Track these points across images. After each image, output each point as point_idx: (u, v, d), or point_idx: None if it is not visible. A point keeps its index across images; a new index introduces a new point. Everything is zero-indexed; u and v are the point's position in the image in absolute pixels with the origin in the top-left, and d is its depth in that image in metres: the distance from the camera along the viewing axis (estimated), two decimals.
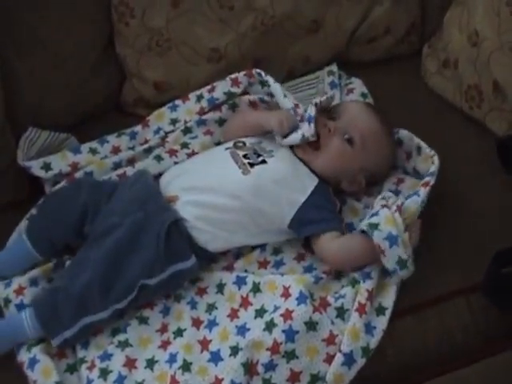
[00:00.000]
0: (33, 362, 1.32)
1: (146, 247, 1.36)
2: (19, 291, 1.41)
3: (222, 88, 1.66)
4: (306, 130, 1.47)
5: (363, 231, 1.37)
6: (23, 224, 1.52)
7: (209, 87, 1.67)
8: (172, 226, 1.38)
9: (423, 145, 1.53)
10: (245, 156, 1.48)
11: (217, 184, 1.44)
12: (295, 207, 1.44)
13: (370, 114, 1.54)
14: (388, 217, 1.36)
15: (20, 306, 1.39)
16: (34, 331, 1.34)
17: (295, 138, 1.48)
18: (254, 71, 1.64)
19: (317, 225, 1.43)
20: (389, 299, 1.38)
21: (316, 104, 1.49)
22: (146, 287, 1.35)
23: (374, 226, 1.35)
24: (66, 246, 1.47)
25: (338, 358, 1.30)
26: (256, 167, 1.46)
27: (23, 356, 1.33)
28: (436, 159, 1.49)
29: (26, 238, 1.45)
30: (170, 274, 1.36)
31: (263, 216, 1.43)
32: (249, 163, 1.46)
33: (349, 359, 1.30)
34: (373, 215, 1.38)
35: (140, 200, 1.44)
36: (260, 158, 1.48)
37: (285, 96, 1.57)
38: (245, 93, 1.68)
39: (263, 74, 1.63)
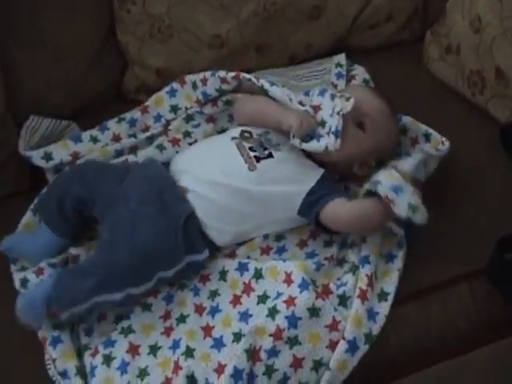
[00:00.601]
0: (56, 340, 1.34)
1: (165, 239, 1.36)
2: (39, 272, 1.42)
3: (212, 84, 1.61)
4: (333, 144, 1.43)
5: (368, 193, 1.37)
6: (26, 219, 1.52)
7: (201, 76, 1.63)
8: (189, 218, 1.39)
9: (433, 131, 1.54)
10: (251, 148, 1.46)
11: (222, 180, 1.43)
12: (302, 195, 1.42)
13: (375, 97, 1.53)
14: (387, 173, 1.37)
15: None
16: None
17: (317, 147, 1.44)
18: (242, 76, 1.58)
19: (324, 199, 1.41)
20: (391, 285, 1.38)
21: (342, 115, 1.45)
22: (164, 279, 1.37)
23: (377, 183, 1.35)
24: (80, 224, 1.48)
25: (342, 345, 1.30)
26: (262, 162, 1.44)
27: (47, 332, 1.35)
28: (447, 142, 1.50)
29: (43, 223, 1.46)
30: (185, 264, 1.37)
31: (270, 209, 1.43)
32: (255, 157, 1.45)
33: (352, 346, 1.30)
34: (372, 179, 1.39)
35: (156, 189, 1.43)
36: (266, 152, 1.46)
37: (290, 100, 1.51)
38: (236, 90, 1.64)
39: (254, 79, 1.57)
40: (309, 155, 1.49)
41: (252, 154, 1.45)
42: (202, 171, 1.46)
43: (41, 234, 1.47)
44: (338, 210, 1.40)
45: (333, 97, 1.48)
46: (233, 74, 1.59)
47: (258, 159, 1.45)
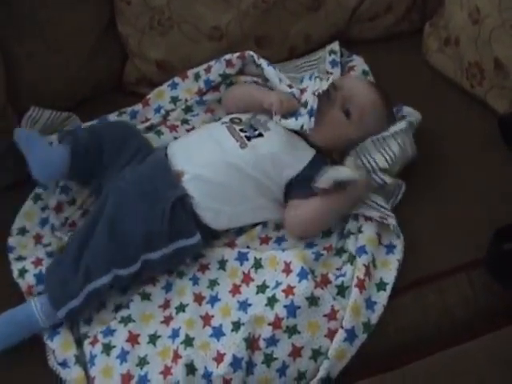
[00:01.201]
0: (53, 333, 1.35)
1: (149, 220, 1.37)
2: (37, 262, 1.43)
3: (217, 69, 1.66)
4: (307, 122, 1.45)
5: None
6: (27, 207, 1.54)
7: (205, 66, 1.67)
8: (177, 202, 1.39)
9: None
10: (241, 130, 1.49)
11: (216, 158, 1.45)
12: (290, 176, 1.45)
13: (370, 90, 1.54)
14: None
15: (39, 277, 1.40)
16: (44, 318, 1.34)
17: (294, 125, 1.48)
18: (247, 53, 1.65)
19: (295, 192, 1.45)
20: (390, 275, 1.39)
21: (318, 94, 1.47)
22: (149, 262, 1.37)
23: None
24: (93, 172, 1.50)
25: (340, 334, 1.31)
26: (253, 140, 1.47)
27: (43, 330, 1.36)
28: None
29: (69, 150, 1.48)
30: (174, 249, 1.38)
31: (263, 185, 1.44)
32: (246, 136, 1.47)
33: (351, 335, 1.31)
34: None
35: (150, 173, 1.45)
36: (256, 132, 1.49)
37: (280, 80, 1.56)
38: (241, 73, 1.68)
39: (255, 56, 1.63)
40: (302, 136, 1.50)
41: (242, 134, 1.48)
42: (197, 153, 1.47)
43: (58, 151, 1.50)
44: (286, 215, 1.45)
45: (321, 78, 1.52)
46: (238, 53, 1.64)
47: (248, 138, 1.47)
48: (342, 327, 1.32)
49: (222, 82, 1.66)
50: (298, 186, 1.45)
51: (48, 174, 1.49)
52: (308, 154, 1.48)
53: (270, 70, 1.60)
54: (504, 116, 1.59)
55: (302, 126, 1.46)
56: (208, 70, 1.66)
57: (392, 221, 1.42)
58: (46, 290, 1.36)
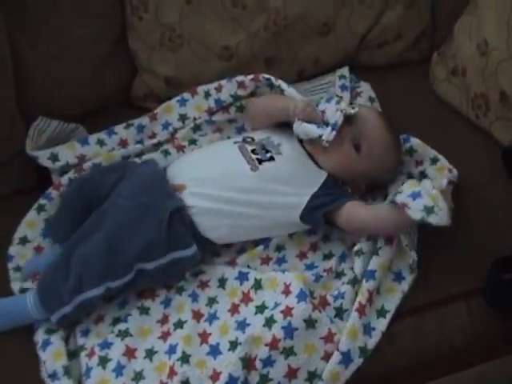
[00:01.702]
0: (46, 343, 1.34)
1: (146, 231, 1.37)
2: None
3: (228, 90, 1.67)
4: (327, 134, 1.46)
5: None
6: (29, 217, 1.53)
7: (216, 85, 1.68)
8: (175, 213, 1.39)
9: (441, 157, 1.56)
10: (253, 151, 1.49)
11: (225, 178, 1.45)
12: (305, 199, 1.45)
13: (382, 125, 1.54)
14: (410, 183, 1.40)
15: None
16: (36, 312, 1.36)
17: (312, 131, 1.48)
18: (261, 76, 1.65)
19: (330, 204, 1.44)
20: (392, 303, 1.39)
21: (343, 111, 1.48)
22: (143, 272, 1.37)
23: (398, 192, 1.38)
24: None
25: (336, 357, 1.31)
26: (264, 164, 1.47)
27: (38, 337, 1.36)
28: (455, 170, 1.53)
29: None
30: (170, 260, 1.38)
31: (272, 210, 1.44)
32: (257, 159, 1.47)
33: (346, 358, 1.31)
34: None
35: (146, 185, 1.45)
36: (268, 154, 1.49)
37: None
38: (252, 95, 1.69)
39: (273, 79, 1.63)
40: (312, 158, 1.51)
41: (254, 156, 1.48)
42: (204, 169, 1.48)
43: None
44: (355, 212, 1.43)
45: (338, 101, 1.53)
46: (251, 76, 1.64)
47: (260, 161, 1.47)
48: (337, 349, 1.32)
49: (232, 104, 1.67)
50: (318, 201, 1.44)
51: None
52: (320, 176, 1.49)
53: (291, 91, 1.60)
54: (508, 148, 1.60)
55: (321, 136, 1.46)
56: (219, 89, 1.67)
57: (414, 255, 1.42)
58: (38, 295, 1.36)
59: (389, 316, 1.37)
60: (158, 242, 1.37)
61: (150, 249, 1.37)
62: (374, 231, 1.44)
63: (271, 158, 1.48)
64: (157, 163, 1.55)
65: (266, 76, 1.64)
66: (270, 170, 1.46)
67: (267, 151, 1.50)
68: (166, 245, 1.37)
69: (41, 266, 1.44)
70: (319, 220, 1.44)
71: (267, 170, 1.46)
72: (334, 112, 1.49)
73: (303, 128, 1.49)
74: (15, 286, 1.44)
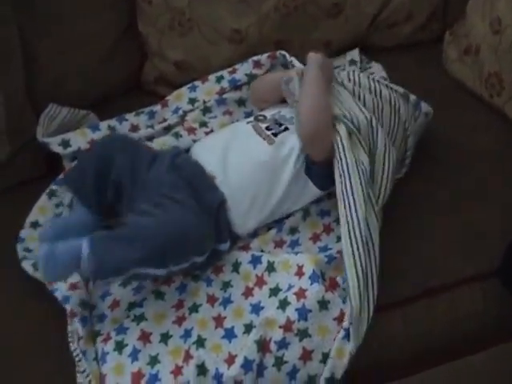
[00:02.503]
0: (85, 321, 1.35)
1: (201, 224, 1.36)
2: None
3: (243, 70, 1.67)
4: None
5: None
6: (41, 202, 1.53)
7: (230, 69, 1.68)
8: (221, 205, 1.40)
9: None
10: (267, 128, 1.49)
11: (244, 160, 1.45)
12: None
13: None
14: None
15: None
16: (87, 268, 1.30)
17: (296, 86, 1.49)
18: (278, 53, 1.65)
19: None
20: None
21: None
22: (195, 264, 1.37)
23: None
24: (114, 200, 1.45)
25: (340, 334, 1.31)
26: (279, 135, 1.47)
27: (75, 307, 1.35)
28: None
29: (77, 200, 1.46)
30: (211, 251, 1.38)
31: (293, 177, 1.44)
32: (272, 133, 1.47)
33: (348, 333, 1.30)
34: None
35: (185, 177, 1.43)
36: (282, 127, 1.49)
37: None
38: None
39: (287, 55, 1.64)
40: None
41: (268, 132, 1.48)
42: (224, 156, 1.47)
43: (74, 215, 1.47)
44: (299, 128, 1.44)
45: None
46: (267, 54, 1.65)
47: (275, 135, 1.47)
48: (342, 327, 1.31)
49: (246, 83, 1.67)
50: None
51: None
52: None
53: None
54: None
55: None
56: (233, 71, 1.67)
57: None
58: (95, 261, 1.29)
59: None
60: (211, 235, 1.37)
61: (204, 243, 1.37)
62: (318, 117, 1.43)
63: (286, 129, 1.48)
64: (184, 152, 1.53)
65: (283, 52, 1.64)
66: (286, 138, 1.46)
67: (281, 124, 1.50)
68: (215, 238, 1.38)
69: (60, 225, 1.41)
70: (310, 167, 1.44)
71: (283, 139, 1.46)
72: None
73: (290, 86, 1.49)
74: (26, 264, 1.44)
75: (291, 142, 1.45)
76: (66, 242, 1.32)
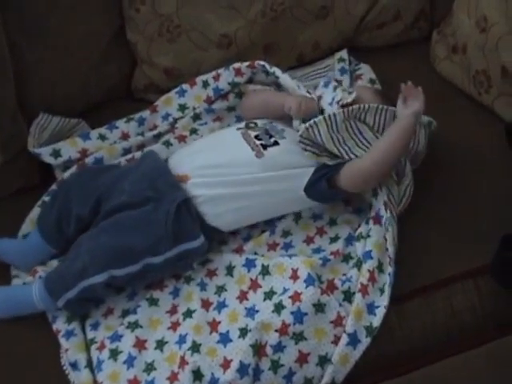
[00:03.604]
0: (70, 333, 1.36)
1: (154, 224, 1.37)
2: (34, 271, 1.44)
3: (225, 78, 1.66)
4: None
5: None
6: (34, 214, 1.53)
7: (214, 74, 1.68)
8: (182, 204, 1.39)
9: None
10: (256, 137, 1.49)
11: (230, 165, 1.45)
12: (308, 174, 1.45)
13: (377, 99, 1.54)
14: None
15: None
16: (40, 301, 1.37)
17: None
18: (257, 63, 1.64)
19: (334, 168, 1.44)
20: (385, 275, 1.38)
21: (342, 105, 1.49)
22: (151, 265, 1.37)
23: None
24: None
25: (343, 339, 1.31)
26: (269, 149, 1.46)
27: (60, 325, 1.37)
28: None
29: (38, 232, 1.47)
30: (178, 253, 1.38)
31: (275, 192, 1.44)
32: (261, 145, 1.47)
33: (353, 339, 1.31)
34: None
35: (149, 178, 1.45)
36: (272, 139, 1.48)
37: (298, 87, 1.56)
38: (250, 81, 1.68)
39: (267, 65, 1.62)
40: None
41: (258, 142, 1.47)
42: (208, 157, 1.47)
43: (32, 239, 1.48)
44: (352, 166, 1.43)
45: (335, 88, 1.52)
46: (247, 63, 1.64)
47: (264, 147, 1.46)
48: (344, 332, 1.32)
49: (230, 91, 1.67)
50: (318, 173, 1.44)
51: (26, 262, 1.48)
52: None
53: (285, 78, 1.59)
54: (510, 124, 1.59)
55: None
56: (217, 78, 1.67)
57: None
58: (44, 281, 1.38)
59: (387, 288, 1.36)
60: (166, 235, 1.37)
61: (157, 243, 1.37)
62: (379, 174, 1.43)
63: (275, 143, 1.48)
64: (156, 154, 1.55)
65: (261, 63, 1.63)
66: (275, 156, 1.46)
67: (271, 136, 1.49)
68: (174, 238, 1.37)
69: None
70: (323, 188, 1.43)
71: (272, 155, 1.46)
72: (330, 104, 1.50)
73: (301, 128, 1.45)
74: (17, 282, 1.44)
75: (283, 162, 1.45)
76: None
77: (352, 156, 1.43)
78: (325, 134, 1.43)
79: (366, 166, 1.42)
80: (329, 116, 1.43)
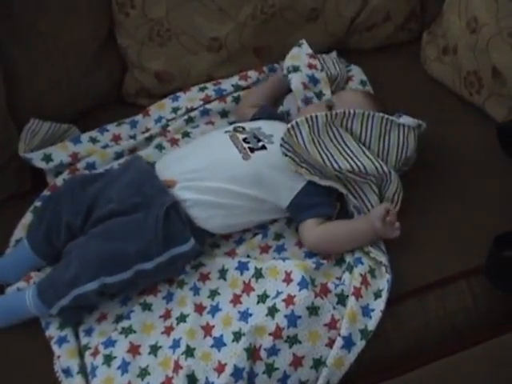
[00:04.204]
0: (62, 340, 1.36)
1: (144, 230, 1.37)
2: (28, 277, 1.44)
3: (230, 81, 1.71)
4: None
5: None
6: (26, 219, 1.53)
7: (214, 82, 1.71)
8: (171, 208, 1.39)
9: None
10: (244, 140, 1.49)
11: (217, 167, 1.45)
12: (293, 193, 1.45)
13: (359, 94, 1.56)
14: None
15: None
16: (34, 307, 1.36)
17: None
18: (265, 68, 1.71)
19: (311, 210, 1.44)
20: (383, 280, 1.38)
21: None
22: (143, 272, 1.36)
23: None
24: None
25: (338, 342, 1.31)
26: (256, 152, 1.47)
27: (53, 332, 1.37)
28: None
29: (26, 244, 1.46)
30: (169, 257, 1.37)
31: (262, 200, 1.44)
32: (249, 148, 1.47)
33: (348, 342, 1.31)
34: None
35: (135, 184, 1.44)
36: (260, 143, 1.49)
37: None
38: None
39: (278, 66, 1.70)
40: None
41: (246, 145, 1.47)
42: (195, 161, 1.47)
43: (21, 251, 1.47)
44: (306, 232, 1.44)
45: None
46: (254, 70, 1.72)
47: (251, 150, 1.47)
48: (339, 335, 1.32)
49: (230, 94, 1.69)
50: (304, 199, 1.45)
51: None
52: None
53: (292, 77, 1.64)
54: (502, 124, 1.60)
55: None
56: (217, 83, 1.70)
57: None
58: (37, 289, 1.37)
59: (383, 294, 1.36)
60: (156, 240, 1.36)
61: (148, 249, 1.36)
62: (329, 249, 1.45)
63: (263, 147, 1.48)
64: (141, 159, 1.54)
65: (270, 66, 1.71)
66: (262, 159, 1.46)
67: (259, 140, 1.49)
68: (164, 242, 1.37)
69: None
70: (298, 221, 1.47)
71: (259, 158, 1.46)
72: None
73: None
74: (11, 288, 1.43)
75: (269, 166, 1.45)
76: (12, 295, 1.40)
77: (335, 165, 1.43)
78: (307, 136, 1.44)
79: (310, 242, 1.44)
80: (310, 117, 1.45)
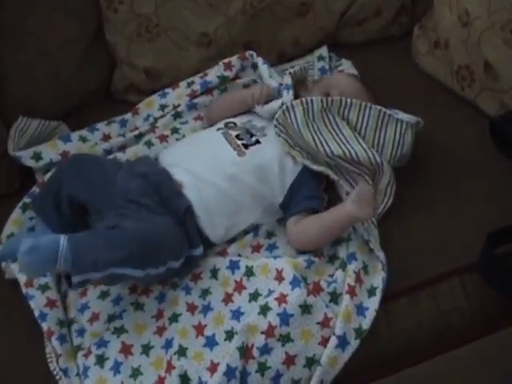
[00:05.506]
0: (63, 338, 1.35)
1: (175, 229, 1.36)
2: None
3: (214, 72, 1.68)
4: (285, 97, 1.50)
5: None
6: (15, 215, 1.51)
7: (201, 74, 1.69)
8: (187, 212, 1.39)
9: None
10: (237, 136, 1.49)
11: (213, 168, 1.45)
12: (285, 188, 1.46)
13: (352, 79, 1.57)
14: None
15: None
16: (63, 263, 1.25)
17: (274, 106, 1.51)
18: (248, 53, 1.68)
19: (298, 205, 1.45)
20: (378, 278, 1.38)
21: (290, 73, 1.54)
22: (171, 270, 1.35)
23: None
24: (77, 220, 1.46)
25: (332, 341, 1.30)
26: (251, 148, 1.47)
27: (53, 327, 1.35)
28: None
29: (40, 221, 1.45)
30: (184, 260, 1.37)
31: (260, 194, 1.45)
32: (243, 144, 1.47)
33: (342, 341, 1.31)
34: None
35: (152, 184, 1.42)
36: (254, 138, 1.49)
37: (270, 76, 1.62)
38: (237, 77, 1.70)
39: (255, 55, 1.67)
40: None
41: (239, 142, 1.48)
42: (193, 165, 1.46)
43: (38, 234, 1.45)
44: (288, 231, 1.45)
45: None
46: (237, 55, 1.69)
47: (246, 146, 1.47)
48: (334, 334, 1.31)
49: (217, 86, 1.68)
50: (295, 194, 1.45)
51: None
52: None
53: (263, 68, 1.65)
54: (495, 118, 1.59)
55: (282, 103, 1.48)
56: (204, 76, 1.69)
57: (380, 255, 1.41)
58: (73, 253, 1.25)
59: (378, 292, 1.36)
60: (183, 239, 1.37)
61: (181, 247, 1.36)
62: (309, 247, 1.44)
63: (257, 142, 1.48)
64: (151, 158, 1.54)
65: (251, 52, 1.69)
66: (257, 154, 1.46)
67: (252, 135, 1.50)
68: (188, 242, 1.38)
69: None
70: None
71: (254, 153, 1.46)
72: (282, 78, 1.55)
73: (266, 109, 1.52)
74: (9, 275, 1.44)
75: (264, 158, 1.45)
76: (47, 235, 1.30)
77: (327, 149, 1.44)
78: (301, 118, 1.46)
79: (292, 239, 1.44)
80: (306, 100, 1.47)
